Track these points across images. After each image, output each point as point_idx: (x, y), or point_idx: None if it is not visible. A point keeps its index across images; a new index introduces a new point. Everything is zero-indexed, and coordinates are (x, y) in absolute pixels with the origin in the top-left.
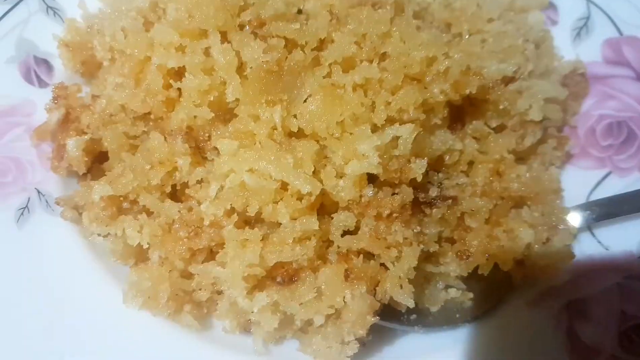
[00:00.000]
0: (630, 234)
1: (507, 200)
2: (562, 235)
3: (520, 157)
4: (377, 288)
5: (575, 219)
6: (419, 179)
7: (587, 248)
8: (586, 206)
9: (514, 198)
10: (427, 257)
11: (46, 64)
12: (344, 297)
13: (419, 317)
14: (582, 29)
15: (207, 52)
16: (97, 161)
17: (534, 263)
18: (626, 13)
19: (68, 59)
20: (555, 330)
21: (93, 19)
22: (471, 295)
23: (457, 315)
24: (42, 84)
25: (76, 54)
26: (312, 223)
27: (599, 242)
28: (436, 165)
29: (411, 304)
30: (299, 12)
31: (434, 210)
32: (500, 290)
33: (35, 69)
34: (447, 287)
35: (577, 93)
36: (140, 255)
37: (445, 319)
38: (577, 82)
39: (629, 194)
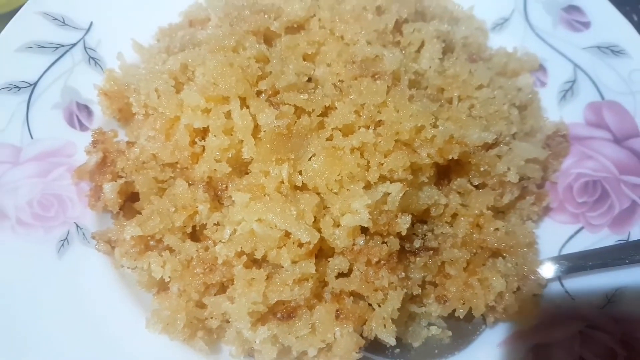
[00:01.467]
0: (595, 287)
1: (485, 251)
2: (532, 285)
3: (501, 211)
4: (364, 326)
5: (546, 270)
6: (404, 233)
7: (555, 297)
8: (556, 259)
9: (491, 249)
10: (411, 298)
11: (87, 109)
12: (334, 334)
13: (402, 351)
14: (567, 91)
15: (228, 114)
16: (130, 200)
17: (504, 309)
18: (609, 79)
19: (106, 106)
20: None
21: (129, 70)
22: (450, 333)
23: (436, 351)
24: (83, 127)
25: (113, 101)
26: (310, 267)
27: (567, 291)
28: (423, 216)
29: (392, 342)
30: (309, 80)
31: (417, 259)
32: (475, 330)
33: (77, 114)
34: (430, 324)
35: (558, 152)
36: (162, 285)
37: (425, 354)
38: (558, 142)
39: (595, 250)
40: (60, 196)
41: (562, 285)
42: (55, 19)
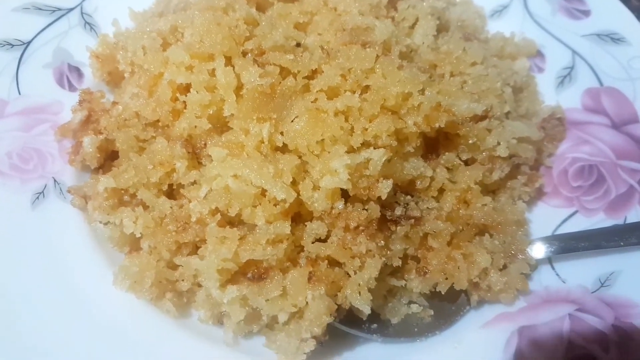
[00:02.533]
0: (587, 270)
1: (472, 227)
2: (519, 264)
3: (492, 190)
4: (338, 293)
5: (536, 250)
6: (383, 197)
7: (545, 279)
8: (547, 240)
9: (477, 226)
10: (392, 272)
11: (78, 71)
12: (306, 297)
13: (380, 327)
14: (565, 77)
15: (212, 73)
16: (110, 159)
17: (489, 286)
18: (608, 66)
19: (97, 69)
20: (505, 352)
21: (122, 35)
22: (431, 312)
23: (416, 329)
24: (72, 88)
25: (104, 64)
26: (285, 227)
27: (557, 274)
28: (408, 188)
29: (367, 310)
30: (298, 45)
31: (398, 227)
32: (458, 311)
33: (68, 75)
34: (410, 302)
35: (553, 136)
36: (134, 245)
37: (404, 332)
38: (554, 125)
39: (587, 231)
40: (41, 151)
41: (553, 268)
42: None
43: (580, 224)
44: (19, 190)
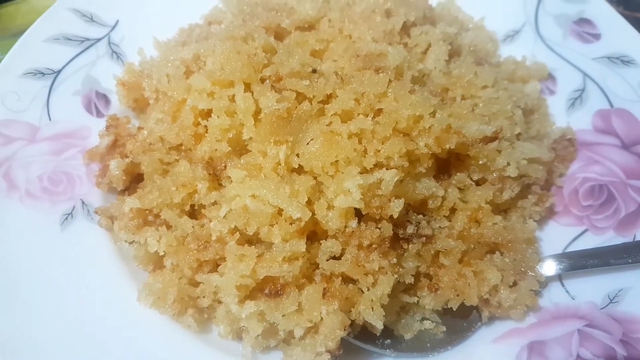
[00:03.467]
0: (596, 287)
1: (483, 245)
2: (529, 281)
3: (503, 210)
4: (352, 309)
5: (546, 268)
6: (395, 216)
7: (555, 296)
8: (557, 257)
9: (488, 244)
10: (405, 289)
11: (105, 98)
12: (321, 313)
13: (393, 343)
14: (576, 99)
15: (232, 98)
16: (135, 181)
17: (499, 303)
18: (618, 87)
19: (123, 96)
20: None
21: (147, 63)
22: (444, 328)
23: (428, 345)
24: (99, 114)
25: (130, 92)
26: (300, 245)
27: (567, 291)
28: (420, 207)
29: (380, 325)
30: (314, 71)
31: (410, 245)
32: (470, 327)
33: (95, 102)
34: (424, 319)
35: (564, 157)
36: (158, 263)
37: (416, 347)
38: (564, 146)
39: (596, 249)
40: (70, 174)
41: (562, 285)
42: (84, 16)
43: (590, 242)
44: (49, 211)
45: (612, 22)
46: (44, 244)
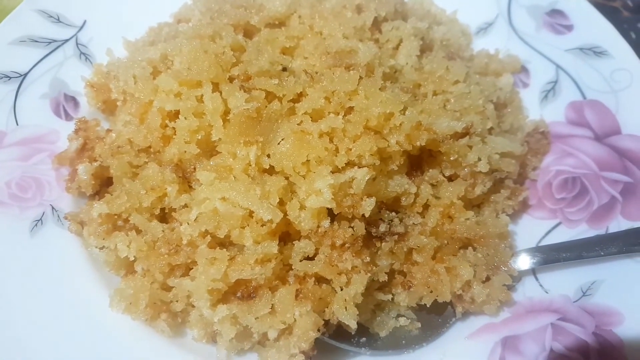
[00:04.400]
0: (569, 280)
1: (456, 241)
2: (502, 276)
3: (477, 205)
4: (326, 309)
5: (519, 262)
6: (367, 215)
7: (529, 290)
8: (530, 251)
9: (461, 239)
10: (380, 287)
11: (74, 100)
12: (294, 314)
13: (369, 341)
14: (549, 91)
15: (200, 99)
16: (105, 185)
17: (472, 299)
18: (591, 79)
19: (92, 98)
20: None
21: (115, 64)
22: (419, 324)
23: (403, 342)
24: (68, 117)
25: (99, 93)
26: (272, 247)
27: (541, 285)
28: (393, 205)
29: (353, 324)
30: (284, 69)
31: (383, 244)
32: (445, 322)
33: (64, 105)
34: (399, 316)
35: (537, 150)
36: (130, 268)
37: (392, 344)
38: (537, 139)
39: (569, 242)
40: (39, 179)
41: (536, 279)
42: (50, 17)
43: (564, 235)
44: (18, 218)
45: (584, 13)
46: (13, 252)
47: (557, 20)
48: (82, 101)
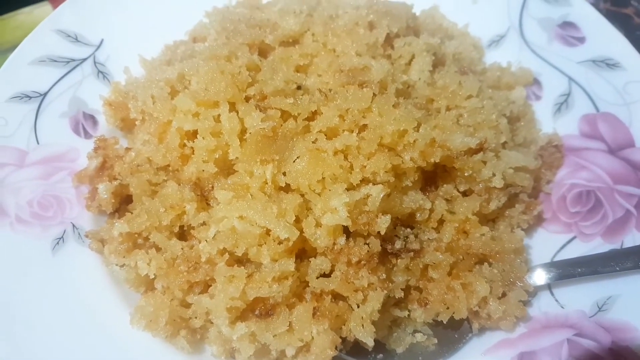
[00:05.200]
0: (585, 295)
1: (471, 257)
2: (518, 292)
3: (490, 220)
4: (343, 326)
5: (535, 277)
6: (383, 232)
7: (544, 305)
8: (545, 267)
9: (476, 255)
10: (396, 303)
11: (92, 119)
12: (312, 332)
13: (385, 357)
14: (562, 104)
15: (217, 118)
16: (125, 202)
17: (488, 315)
18: (604, 91)
19: (110, 116)
20: None
21: (133, 83)
22: (435, 340)
23: (420, 358)
24: (87, 135)
25: (117, 111)
26: (289, 265)
27: (556, 300)
28: (409, 220)
29: (370, 342)
30: (299, 87)
31: (399, 260)
32: (461, 338)
33: (83, 123)
34: (415, 331)
35: (551, 163)
36: (149, 285)
37: None
38: (551, 152)
39: (584, 257)
40: (60, 198)
41: (552, 294)
42: (69, 36)
43: (579, 249)
44: (39, 236)
45: (597, 25)
46: (36, 270)
47: (569, 32)
48: (101, 119)
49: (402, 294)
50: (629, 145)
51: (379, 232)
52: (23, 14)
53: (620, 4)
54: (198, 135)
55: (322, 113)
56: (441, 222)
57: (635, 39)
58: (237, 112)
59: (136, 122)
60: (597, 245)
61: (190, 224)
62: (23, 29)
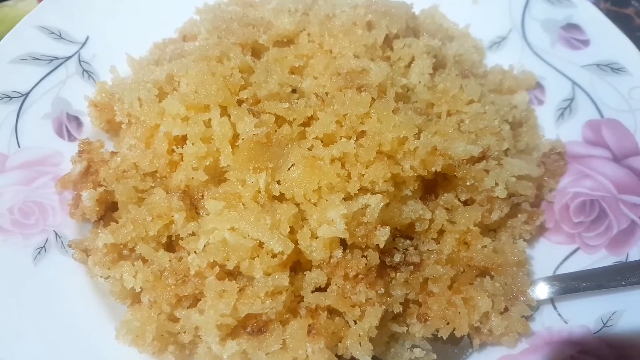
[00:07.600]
0: (589, 310)
1: (472, 269)
2: (520, 306)
3: (492, 230)
4: (339, 344)
5: (538, 291)
6: (382, 245)
7: (547, 320)
8: (548, 280)
9: (478, 267)
10: (394, 318)
11: (77, 120)
12: (306, 351)
13: None
14: (566, 109)
15: (208, 123)
16: (110, 209)
17: (490, 331)
18: (608, 96)
19: (95, 117)
20: None
21: (119, 84)
22: (434, 356)
23: None
24: (71, 138)
25: (103, 113)
26: (283, 279)
27: (560, 315)
28: (408, 231)
29: None
30: (294, 91)
31: (398, 274)
32: (461, 354)
33: (67, 125)
34: (414, 346)
35: (554, 171)
36: (136, 297)
37: None
38: (554, 160)
39: (588, 271)
40: (42, 204)
41: (555, 308)
42: (52, 33)
43: (583, 261)
44: (21, 245)
45: (601, 28)
46: (16, 282)
47: (573, 35)
48: (86, 121)
49: (401, 309)
50: (634, 154)
51: (377, 245)
52: (6, 7)
53: (620, 4)
54: (187, 141)
55: (318, 118)
56: (441, 232)
57: (636, 40)
58: (229, 117)
59: (122, 126)
60: (601, 257)
61: (179, 235)
62: (5, 24)
